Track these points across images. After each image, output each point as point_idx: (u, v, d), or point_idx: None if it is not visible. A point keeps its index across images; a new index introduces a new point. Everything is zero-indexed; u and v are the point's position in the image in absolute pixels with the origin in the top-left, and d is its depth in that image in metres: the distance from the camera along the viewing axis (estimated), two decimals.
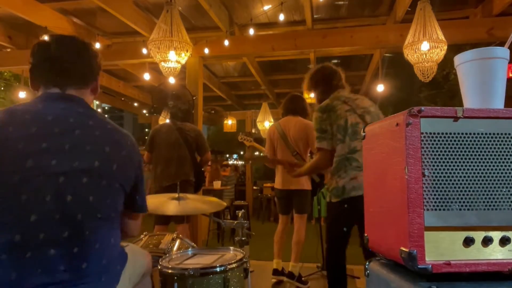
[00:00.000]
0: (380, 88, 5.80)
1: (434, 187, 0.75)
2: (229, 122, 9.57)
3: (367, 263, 0.97)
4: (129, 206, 1.28)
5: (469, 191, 0.76)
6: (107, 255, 1.15)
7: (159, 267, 1.56)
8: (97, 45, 4.96)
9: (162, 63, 3.74)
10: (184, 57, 3.73)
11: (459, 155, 0.77)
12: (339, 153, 2.24)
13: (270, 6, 4.66)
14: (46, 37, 1.24)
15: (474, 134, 0.77)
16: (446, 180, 0.76)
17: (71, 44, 1.25)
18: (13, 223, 1.03)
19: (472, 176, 0.77)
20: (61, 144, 1.10)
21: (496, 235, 0.75)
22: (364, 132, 1.00)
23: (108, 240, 1.17)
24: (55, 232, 1.06)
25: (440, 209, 0.75)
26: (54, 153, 1.08)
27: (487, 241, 0.75)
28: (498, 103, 0.88)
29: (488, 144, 0.77)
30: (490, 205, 0.76)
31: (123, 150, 1.20)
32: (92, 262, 1.10)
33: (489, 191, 0.77)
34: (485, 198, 0.76)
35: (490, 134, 0.77)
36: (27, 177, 1.05)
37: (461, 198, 0.76)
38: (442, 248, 0.74)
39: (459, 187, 0.76)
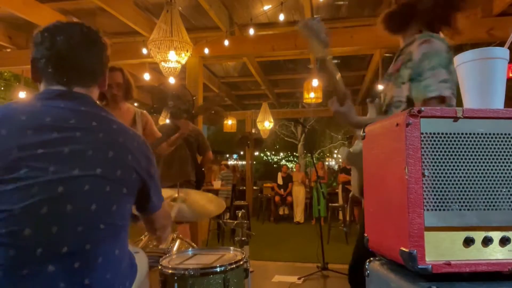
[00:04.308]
0: (380, 88, 5.80)
1: (434, 187, 0.75)
2: (229, 122, 9.57)
3: (367, 263, 0.97)
4: (140, 209, 1.24)
5: (469, 191, 0.76)
6: (111, 269, 1.06)
7: (159, 267, 1.56)
8: None
9: (162, 63, 3.74)
10: (184, 57, 3.74)
11: (459, 155, 0.77)
12: None
13: (270, 6, 4.66)
14: (51, 25, 1.09)
15: (474, 134, 0.77)
16: (446, 180, 0.76)
17: (81, 36, 1.11)
18: (5, 237, 0.93)
19: (472, 176, 0.77)
20: (60, 150, 1.00)
21: (496, 235, 0.75)
22: (364, 132, 1.00)
23: (112, 253, 1.06)
24: (53, 247, 0.96)
25: (440, 209, 0.75)
26: (52, 160, 0.99)
27: (487, 241, 0.75)
28: (498, 103, 0.88)
29: (488, 144, 0.77)
30: (490, 205, 0.76)
31: (129, 154, 1.10)
32: (95, 277, 1.01)
33: (489, 191, 0.77)
34: (485, 198, 0.76)
35: (490, 134, 0.77)
36: (21, 187, 0.95)
37: (461, 198, 0.76)
38: (442, 248, 0.74)
39: (459, 187, 0.76)
